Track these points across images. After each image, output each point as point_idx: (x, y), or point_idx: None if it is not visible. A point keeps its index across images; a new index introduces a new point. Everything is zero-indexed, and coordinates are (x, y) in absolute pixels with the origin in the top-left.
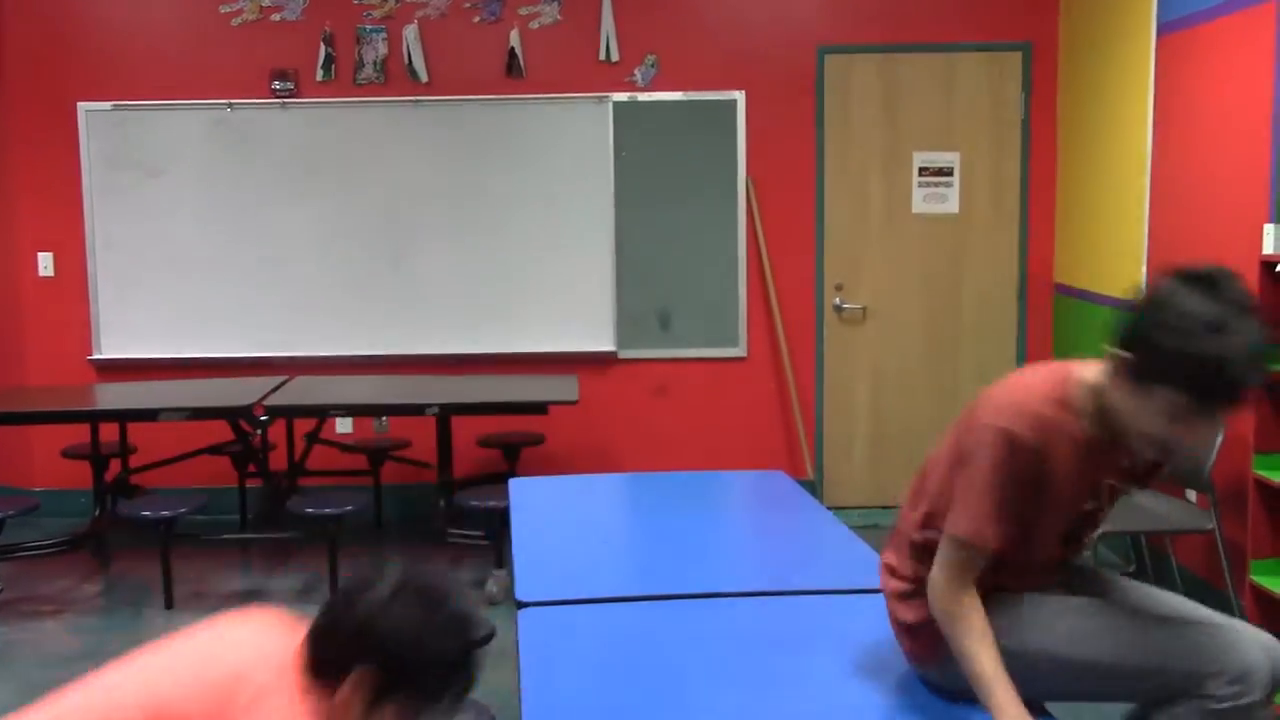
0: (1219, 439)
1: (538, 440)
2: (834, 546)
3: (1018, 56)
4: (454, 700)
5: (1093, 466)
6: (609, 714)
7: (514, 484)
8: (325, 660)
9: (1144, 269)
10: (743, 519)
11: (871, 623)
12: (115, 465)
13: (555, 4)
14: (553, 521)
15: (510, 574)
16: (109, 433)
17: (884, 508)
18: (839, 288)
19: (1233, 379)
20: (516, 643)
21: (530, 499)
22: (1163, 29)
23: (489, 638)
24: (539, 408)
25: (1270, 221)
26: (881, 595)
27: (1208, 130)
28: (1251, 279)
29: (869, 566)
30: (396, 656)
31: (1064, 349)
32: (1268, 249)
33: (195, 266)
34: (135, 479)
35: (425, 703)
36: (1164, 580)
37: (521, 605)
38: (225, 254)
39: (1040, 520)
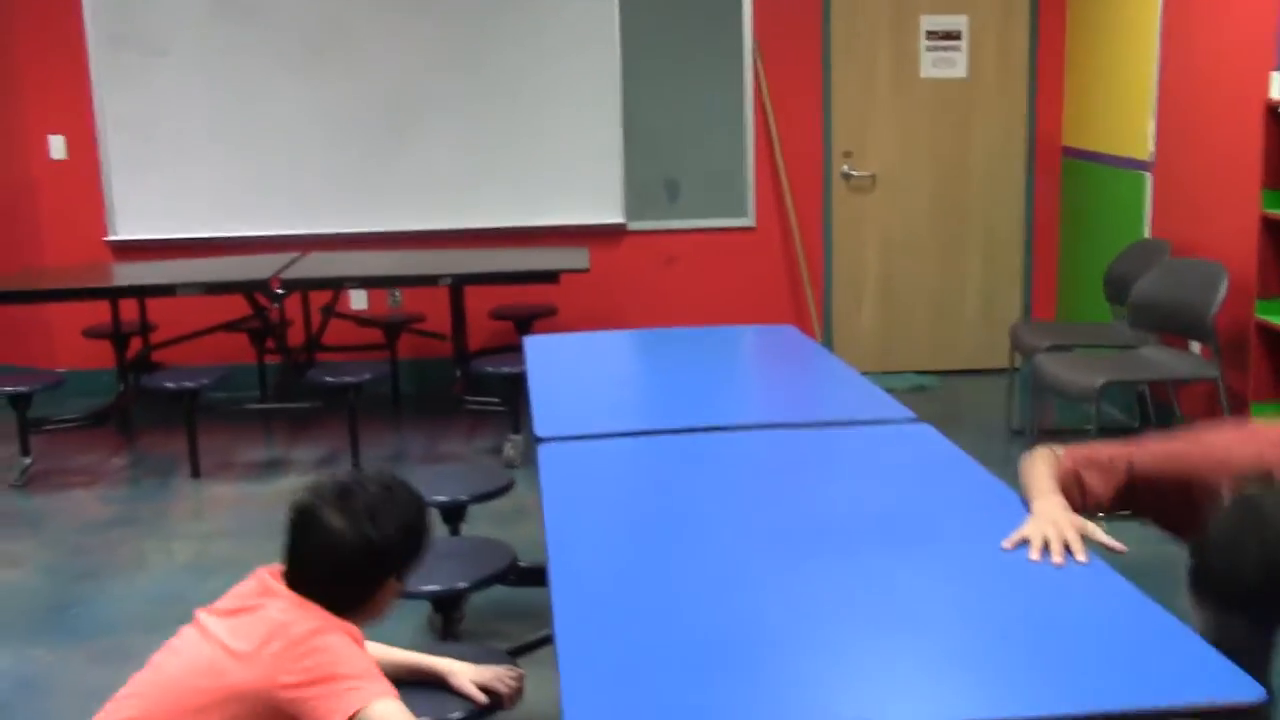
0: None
1: (550, 312)
2: (844, 386)
3: None
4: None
5: None
6: (628, 535)
7: (529, 341)
8: (349, 600)
9: (1152, 126)
10: (755, 365)
11: (878, 449)
12: (136, 344)
13: None
14: (568, 373)
15: (527, 439)
16: (128, 311)
17: (892, 372)
18: (847, 155)
19: None
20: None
21: (545, 355)
22: None
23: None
24: (550, 276)
25: (1276, 69)
26: (877, 428)
27: None
28: (1256, 124)
29: (881, 401)
30: (407, 557)
31: (1071, 212)
32: (1274, 94)
33: (205, 146)
34: (156, 356)
35: (412, 569)
36: (1169, 430)
37: (540, 440)
38: (234, 132)
39: None
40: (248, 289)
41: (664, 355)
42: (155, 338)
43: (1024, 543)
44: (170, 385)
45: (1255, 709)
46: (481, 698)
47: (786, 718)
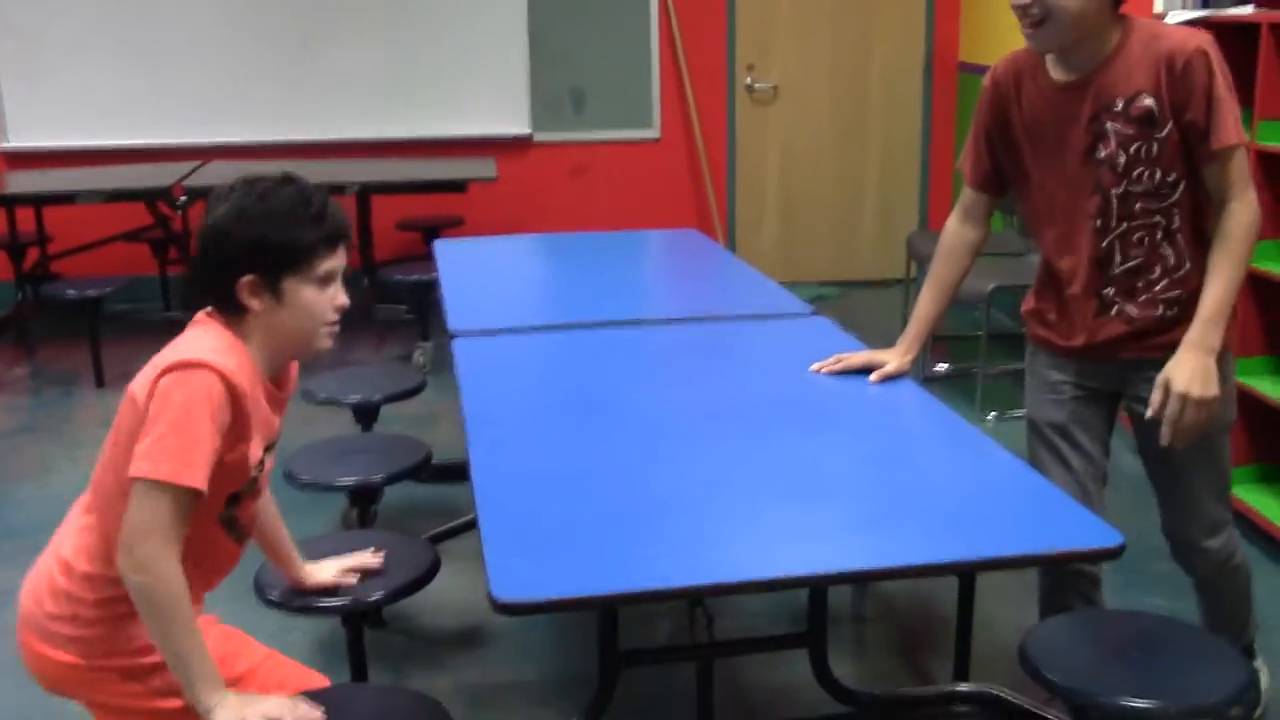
0: None
1: (457, 222)
2: (745, 283)
3: None
4: (332, 241)
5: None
6: (544, 419)
7: (439, 244)
8: (219, 298)
9: None
10: (661, 265)
11: (779, 339)
12: (34, 254)
13: None
14: (478, 274)
15: (437, 346)
16: (25, 222)
17: (795, 283)
18: (750, 68)
19: None
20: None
21: (456, 257)
22: None
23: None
24: (458, 185)
25: None
26: (777, 321)
27: None
28: None
29: (780, 297)
30: (251, 248)
31: (967, 123)
32: (1157, 7)
33: (102, 51)
34: (55, 267)
35: (309, 261)
36: None
37: (454, 336)
38: (134, 36)
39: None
40: (149, 197)
41: (573, 257)
42: (53, 248)
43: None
44: (71, 294)
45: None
46: (338, 582)
47: (690, 570)
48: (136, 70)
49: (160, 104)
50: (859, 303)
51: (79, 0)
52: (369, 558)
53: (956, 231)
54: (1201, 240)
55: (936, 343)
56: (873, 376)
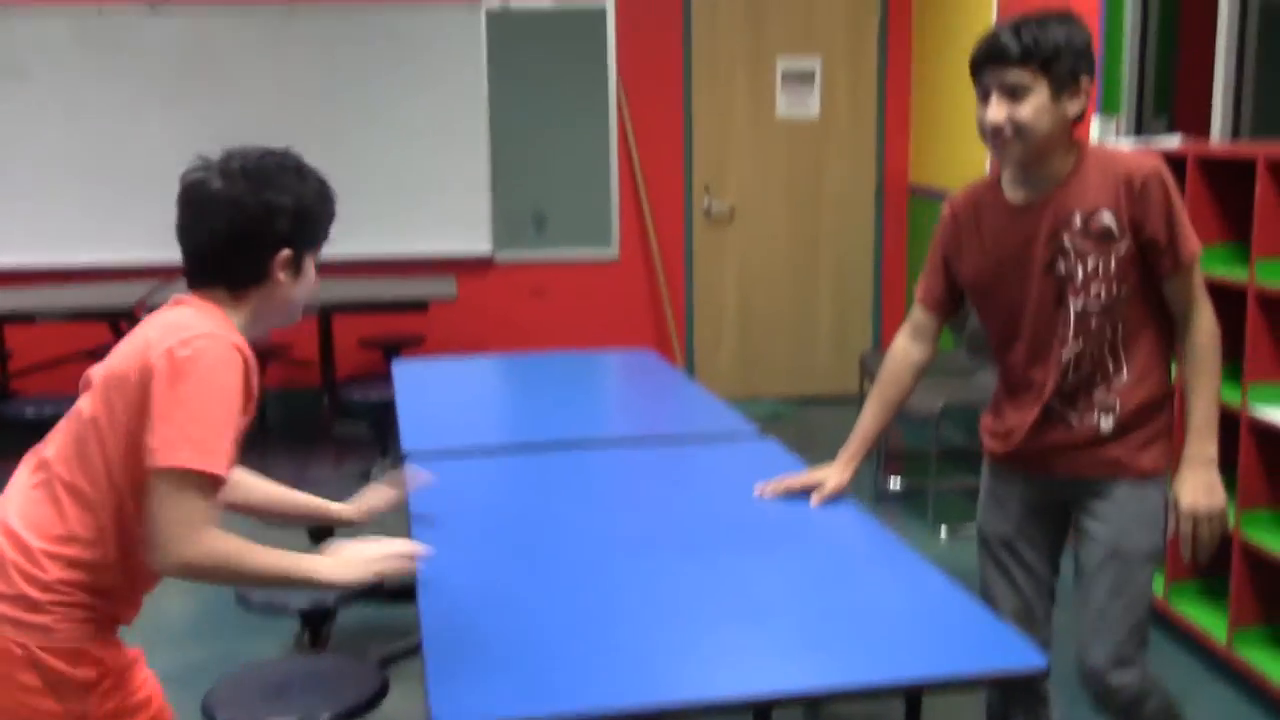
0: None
1: (418, 341)
2: (696, 405)
3: None
4: (334, 219)
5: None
6: (493, 542)
7: (397, 365)
8: (243, 273)
9: (988, 168)
10: (613, 386)
11: (726, 462)
12: None
13: None
14: (434, 394)
15: (394, 462)
16: None
17: (752, 398)
18: (707, 190)
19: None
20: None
21: (413, 378)
22: None
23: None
24: (419, 305)
25: (1095, 112)
26: (726, 442)
27: None
28: None
29: (729, 419)
30: (297, 223)
31: (918, 246)
32: (1093, 137)
33: (67, 172)
34: (14, 385)
35: (324, 238)
36: None
37: (407, 456)
38: (97, 160)
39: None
40: (112, 316)
41: (527, 378)
42: (13, 366)
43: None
44: (29, 413)
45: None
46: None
47: (635, 692)
48: (100, 190)
49: (123, 223)
50: (814, 419)
51: (45, 124)
52: (416, 477)
53: (904, 349)
54: (1141, 353)
55: (889, 460)
56: (813, 499)
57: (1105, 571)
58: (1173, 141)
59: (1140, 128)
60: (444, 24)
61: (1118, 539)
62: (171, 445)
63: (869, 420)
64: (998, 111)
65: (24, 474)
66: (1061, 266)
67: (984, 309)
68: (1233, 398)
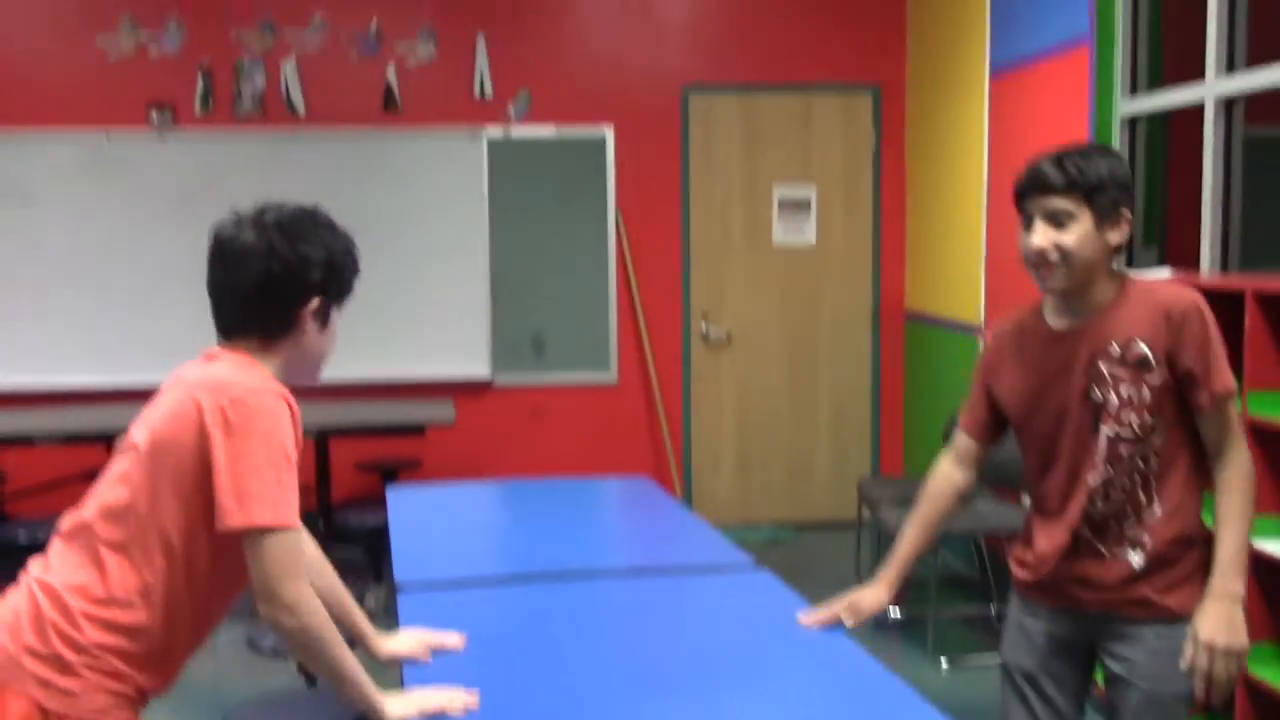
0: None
1: (415, 464)
2: (691, 534)
3: (869, 97)
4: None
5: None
6: (485, 680)
7: (391, 492)
8: (273, 323)
9: (982, 294)
10: (609, 515)
11: (721, 594)
12: None
13: (431, 42)
14: (429, 522)
15: (388, 589)
16: None
17: (749, 525)
18: (705, 315)
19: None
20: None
21: (407, 505)
22: (994, 72)
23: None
24: (416, 429)
25: None
26: (720, 574)
27: None
28: None
29: (724, 549)
30: (326, 273)
31: (914, 372)
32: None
33: (71, 295)
34: (9, 507)
35: (346, 295)
36: (1003, 579)
37: (400, 587)
38: (99, 282)
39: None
40: (109, 439)
41: (523, 505)
42: (8, 489)
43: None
44: (22, 536)
45: None
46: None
47: None
48: (102, 314)
49: (125, 347)
50: (813, 545)
51: (51, 248)
52: (450, 637)
53: (945, 473)
54: (1173, 489)
55: None
56: (849, 620)
57: (1143, 718)
58: (1163, 274)
59: (1130, 260)
60: (446, 151)
61: (1152, 685)
62: (244, 505)
63: (908, 541)
64: (1043, 237)
65: (59, 540)
66: (1097, 393)
67: (1022, 434)
68: None
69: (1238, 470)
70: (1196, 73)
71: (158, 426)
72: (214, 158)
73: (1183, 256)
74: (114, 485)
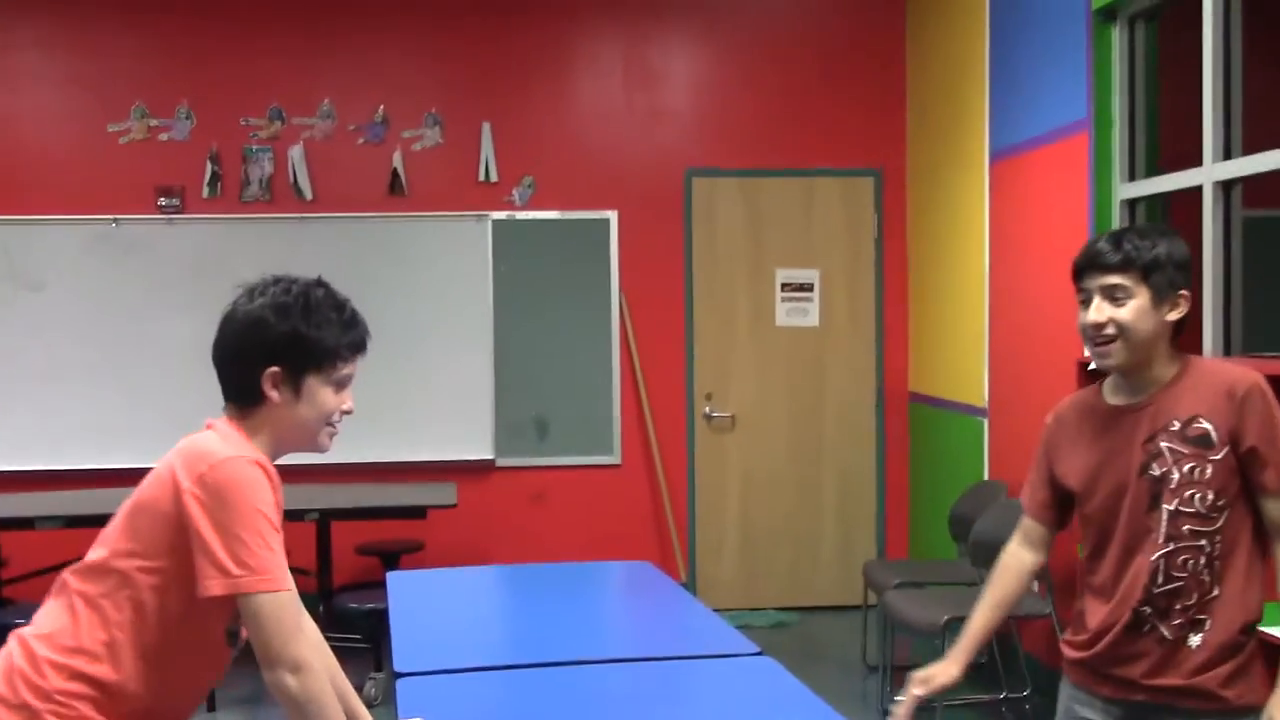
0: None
1: (417, 547)
2: (694, 621)
3: (870, 181)
4: (356, 348)
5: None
6: None
7: (392, 577)
8: (240, 388)
9: (986, 376)
10: (610, 601)
11: (723, 682)
12: None
13: (437, 128)
14: (430, 607)
15: (388, 675)
16: None
17: (754, 609)
18: (709, 397)
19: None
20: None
21: (408, 590)
22: (994, 156)
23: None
24: (418, 511)
25: None
26: (725, 659)
27: (1035, 246)
28: (1070, 378)
29: (728, 636)
30: (284, 341)
31: (919, 454)
32: (1086, 351)
33: (78, 380)
34: (8, 591)
35: (333, 362)
36: (1012, 665)
37: (399, 675)
38: (108, 364)
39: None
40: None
41: (523, 591)
42: (7, 574)
43: None
44: (20, 624)
45: None
46: None
47: None
48: (108, 398)
49: (131, 431)
50: (818, 629)
51: (57, 331)
52: None
53: (1014, 553)
54: (1237, 571)
55: (896, 673)
56: (919, 689)
57: None
58: None
59: None
60: (451, 235)
61: None
62: (231, 571)
63: (979, 620)
64: (1099, 312)
65: (47, 598)
66: (1157, 469)
67: (1083, 513)
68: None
69: None
70: (1194, 154)
71: (141, 490)
72: (221, 242)
73: (1185, 342)
74: (97, 544)
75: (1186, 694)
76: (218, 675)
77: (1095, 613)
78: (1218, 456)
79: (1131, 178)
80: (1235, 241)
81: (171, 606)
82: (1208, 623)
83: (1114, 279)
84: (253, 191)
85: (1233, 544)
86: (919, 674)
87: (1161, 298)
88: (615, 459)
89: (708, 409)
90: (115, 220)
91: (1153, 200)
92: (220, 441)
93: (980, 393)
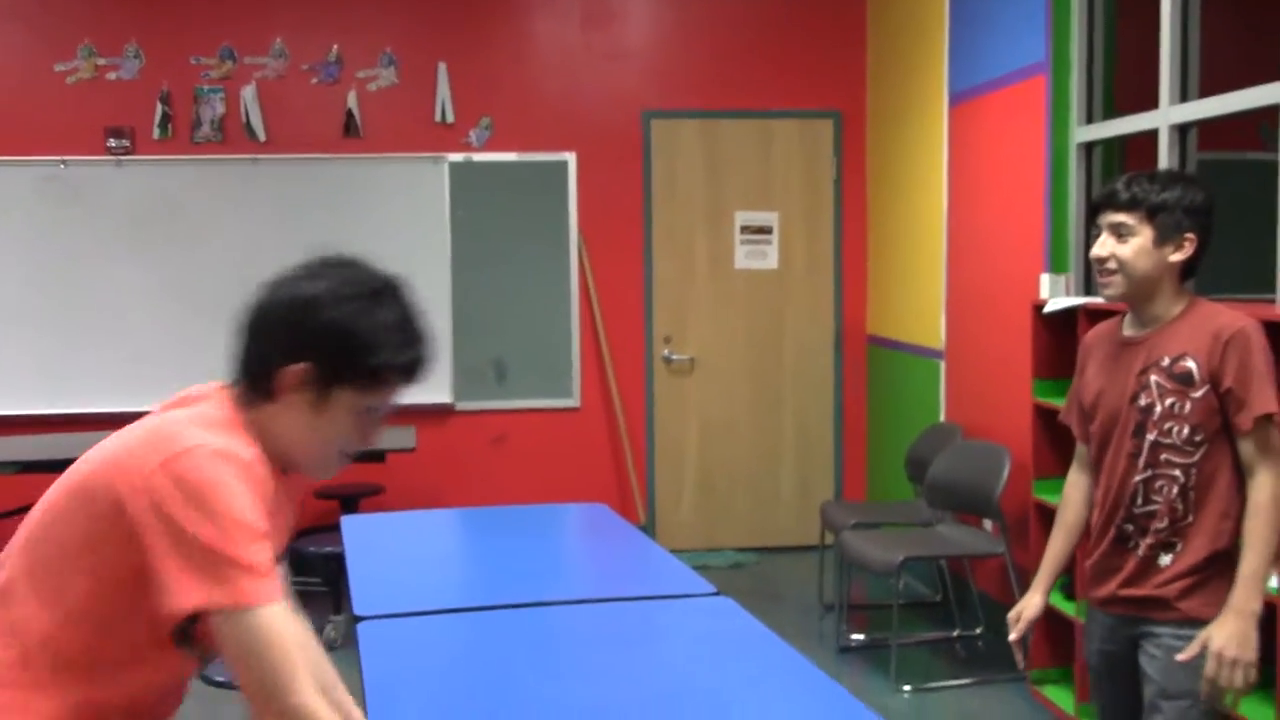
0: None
1: (376, 491)
2: (650, 562)
3: (829, 123)
4: (409, 376)
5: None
6: (447, 710)
7: (346, 521)
8: (256, 371)
9: (943, 319)
10: (566, 543)
11: (680, 622)
12: None
13: (392, 67)
14: (387, 551)
15: (348, 619)
16: None
17: (713, 549)
18: (667, 340)
19: None
20: (359, 662)
21: (363, 534)
22: (954, 99)
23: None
24: (376, 455)
25: (1045, 271)
26: (682, 600)
27: (993, 189)
28: (1027, 320)
29: (685, 577)
30: (330, 335)
31: (877, 396)
32: (1042, 294)
33: (25, 321)
34: None
35: (375, 383)
36: (965, 603)
37: (359, 619)
38: (57, 309)
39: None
40: (62, 468)
41: (479, 534)
42: None
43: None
44: None
45: None
46: None
47: None
48: (59, 342)
49: (83, 375)
50: (776, 569)
51: (5, 276)
52: None
53: (1073, 482)
54: (1212, 502)
55: (852, 612)
56: (1017, 631)
57: (1156, 713)
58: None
59: (1089, 288)
60: (408, 176)
61: (1164, 682)
62: (202, 581)
63: (1055, 548)
64: (1103, 247)
65: None
66: (1144, 400)
67: (1090, 429)
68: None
69: (1266, 492)
70: (1151, 99)
71: (82, 473)
72: (173, 184)
73: None
74: (23, 527)
75: (1149, 604)
76: (180, 693)
77: (1095, 522)
78: (1198, 394)
79: (1089, 121)
80: None
81: (113, 618)
82: (1179, 545)
83: (1121, 217)
84: (204, 132)
85: (1210, 477)
86: (1010, 614)
87: (1165, 239)
88: (574, 402)
89: (667, 352)
90: (63, 161)
91: (1110, 144)
92: (188, 425)
93: (937, 335)
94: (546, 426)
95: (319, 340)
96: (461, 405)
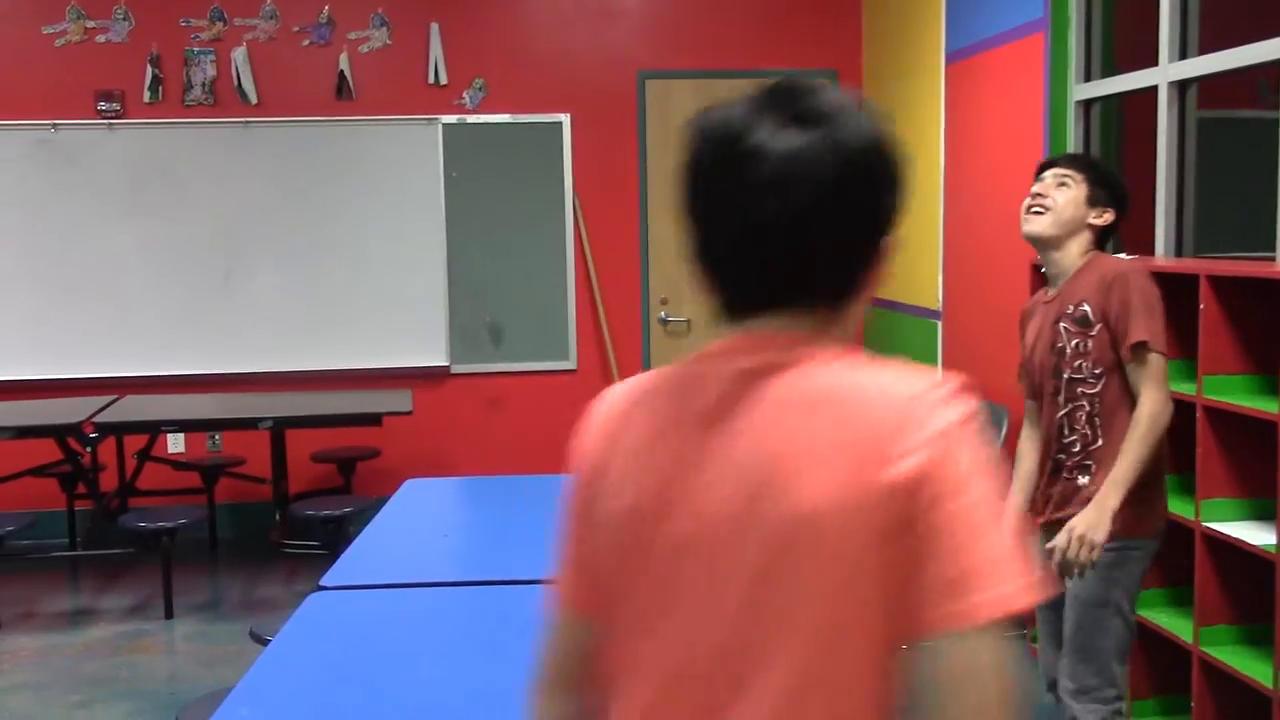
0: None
1: (373, 454)
2: None
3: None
4: None
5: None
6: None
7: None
8: (848, 261)
9: (940, 280)
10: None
11: None
12: None
13: (384, 28)
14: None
15: None
16: None
17: None
18: (664, 302)
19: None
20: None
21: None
22: (950, 57)
23: None
24: (373, 419)
25: None
26: None
27: (990, 148)
28: (1023, 281)
29: None
30: (899, 193)
31: (877, 355)
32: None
33: (17, 286)
34: None
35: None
36: None
37: (320, 589)
38: (49, 274)
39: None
40: (59, 433)
41: (477, 506)
42: None
43: None
44: None
45: None
46: None
47: None
48: (50, 305)
49: (74, 338)
50: None
51: None
52: None
53: (1025, 434)
54: (1117, 427)
55: None
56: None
57: (1071, 612)
58: (1120, 257)
59: None
60: (401, 138)
61: (1075, 588)
62: (994, 588)
63: (1013, 499)
64: (1044, 187)
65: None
66: (1059, 343)
67: (1036, 383)
68: (1185, 512)
69: (1143, 409)
70: (1150, 57)
71: (781, 507)
72: (164, 147)
73: (1138, 240)
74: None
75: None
76: None
77: (1040, 461)
78: (1094, 333)
79: (1088, 78)
80: (1190, 142)
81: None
82: (1093, 467)
83: (1065, 170)
84: (195, 95)
85: (1113, 406)
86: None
87: (1094, 202)
88: (571, 364)
89: (663, 314)
90: (54, 125)
91: (1108, 101)
92: (889, 376)
93: (935, 296)
94: (543, 389)
95: (898, 200)
96: (457, 368)
